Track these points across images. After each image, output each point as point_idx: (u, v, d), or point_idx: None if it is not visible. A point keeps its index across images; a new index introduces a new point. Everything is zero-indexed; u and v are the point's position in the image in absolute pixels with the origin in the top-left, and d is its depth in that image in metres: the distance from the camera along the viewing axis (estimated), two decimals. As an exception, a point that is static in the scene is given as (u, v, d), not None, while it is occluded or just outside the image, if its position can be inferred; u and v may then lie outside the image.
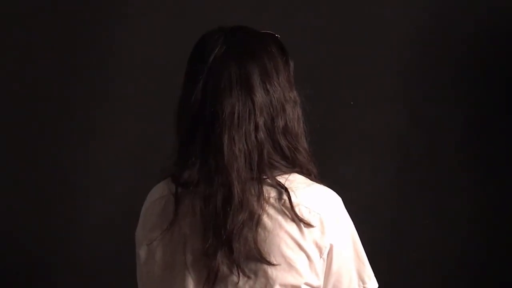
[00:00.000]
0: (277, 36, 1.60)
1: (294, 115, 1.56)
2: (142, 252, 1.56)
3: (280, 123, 1.52)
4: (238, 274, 1.47)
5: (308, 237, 1.50)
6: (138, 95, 2.65)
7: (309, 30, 2.62)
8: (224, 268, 1.47)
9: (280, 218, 1.49)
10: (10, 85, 2.64)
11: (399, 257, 2.66)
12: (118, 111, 2.65)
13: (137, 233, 1.60)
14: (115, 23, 2.64)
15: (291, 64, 1.60)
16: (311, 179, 1.56)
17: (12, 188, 2.64)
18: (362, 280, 1.58)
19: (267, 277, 1.49)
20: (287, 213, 1.49)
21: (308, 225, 1.48)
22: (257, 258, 1.47)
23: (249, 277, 1.48)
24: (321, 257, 1.52)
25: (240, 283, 1.48)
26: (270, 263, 1.47)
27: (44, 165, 2.65)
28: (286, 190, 1.50)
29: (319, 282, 1.53)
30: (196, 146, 1.50)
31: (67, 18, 2.63)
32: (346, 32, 2.66)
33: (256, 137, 1.49)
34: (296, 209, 1.49)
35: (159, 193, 1.58)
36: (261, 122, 1.50)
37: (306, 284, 1.51)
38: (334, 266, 1.55)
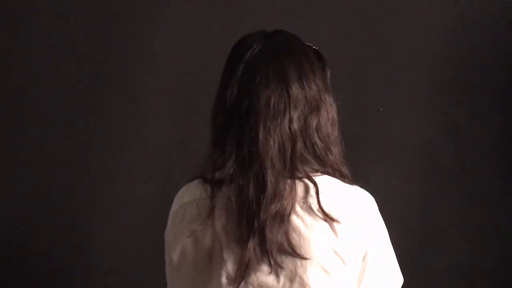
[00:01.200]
0: (315, 48, 1.63)
1: (329, 117, 1.58)
2: (175, 256, 1.57)
3: (314, 120, 1.55)
4: (270, 263, 1.48)
5: (342, 238, 1.50)
6: (162, 99, 2.66)
7: (339, 36, 2.62)
8: (255, 257, 1.49)
9: (309, 215, 1.50)
10: (31, 87, 2.65)
11: (424, 266, 2.65)
12: (142, 115, 2.66)
13: (167, 237, 1.61)
14: (140, 27, 2.66)
15: (328, 72, 1.63)
16: (343, 181, 1.57)
17: (26, 190, 2.65)
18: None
19: (298, 271, 1.50)
20: (316, 210, 1.50)
21: (337, 221, 1.49)
22: (288, 250, 1.48)
23: (281, 267, 1.49)
24: (356, 260, 1.53)
25: (272, 274, 1.50)
26: (302, 257, 1.48)
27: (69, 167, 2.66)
28: (317, 186, 1.51)
29: (352, 285, 1.54)
30: (232, 139, 1.52)
31: (88, 23, 2.65)
32: (376, 38, 2.65)
33: (290, 128, 1.52)
34: (325, 206, 1.50)
35: (191, 195, 1.59)
36: (295, 115, 1.52)
37: (338, 286, 1.51)
38: (368, 271, 1.56)
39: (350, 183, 1.58)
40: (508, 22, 2.63)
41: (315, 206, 1.50)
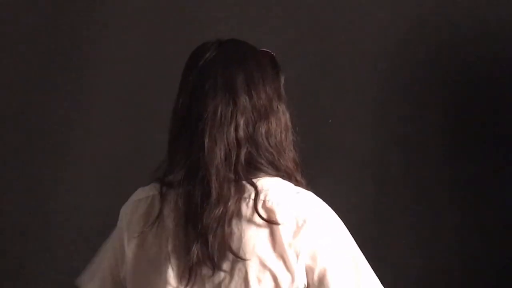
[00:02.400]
0: (272, 54, 1.67)
1: (280, 124, 1.62)
2: (129, 251, 1.62)
3: (263, 128, 1.58)
4: (213, 267, 1.53)
5: (284, 239, 1.53)
6: (123, 100, 2.65)
7: (289, 48, 2.62)
8: (199, 261, 1.53)
9: (252, 217, 1.54)
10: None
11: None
12: (103, 116, 2.65)
13: (121, 233, 1.66)
14: (103, 27, 2.64)
15: (282, 78, 1.66)
16: (296, 185, 1.60)
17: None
18: None
19: (241, 274, 1.53)
20: (257, 213, 1.53)
21: (276, 223, 1.52)
22: (230, 253, 1.53)
23: (224, 271, 1.53)
24: (297, 260, 1.54)
25: (215, 277, 1.54)
26: (243, 259, 1.52)
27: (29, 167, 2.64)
28: (257, 190, 1.55)
29: (295, 284, 1.54)
30: (182, 147, 1.58)
31: (53, 21, 2.63)
32: (326, 49, 2.67)
33: (236, 137, 1.55)
34: (267, 209, 1.54)
35: (145, 193, 1.64)
36: (241, 123, 1.56)
37: (280, 284, 1.54)
38: (331, 273, 1.56)
39: (303, 187, 1.61)
40: (459, 35, 2.67)
41: (254, 210, 1.54)
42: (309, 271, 1.56)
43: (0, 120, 2.62)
